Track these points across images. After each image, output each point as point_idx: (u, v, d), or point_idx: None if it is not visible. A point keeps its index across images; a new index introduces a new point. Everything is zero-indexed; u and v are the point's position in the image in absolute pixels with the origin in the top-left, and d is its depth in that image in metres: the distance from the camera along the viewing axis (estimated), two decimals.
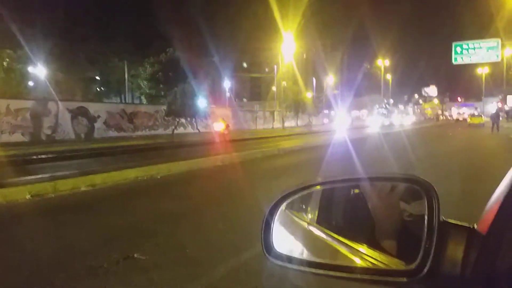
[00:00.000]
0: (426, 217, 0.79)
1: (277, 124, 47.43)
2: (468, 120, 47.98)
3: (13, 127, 21.17)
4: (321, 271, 0.90)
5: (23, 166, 10.93)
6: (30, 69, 29.62)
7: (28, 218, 5.97)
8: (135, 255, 4.02)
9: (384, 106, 73.04)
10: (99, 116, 26.11)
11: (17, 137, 21.11)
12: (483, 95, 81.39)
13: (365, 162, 11.16)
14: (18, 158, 12.69)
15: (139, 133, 28.64)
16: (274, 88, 52.54)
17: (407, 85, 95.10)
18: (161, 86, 28.04)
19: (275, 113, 49.48)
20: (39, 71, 29.86)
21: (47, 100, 23.86)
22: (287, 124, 46.77)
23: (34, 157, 13.15)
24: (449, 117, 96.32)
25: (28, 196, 7.00)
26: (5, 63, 27.53)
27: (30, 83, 30.13)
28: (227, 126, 24.11)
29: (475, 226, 0.75)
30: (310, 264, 0.96)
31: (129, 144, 19.23)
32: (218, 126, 24.25)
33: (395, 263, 0.85)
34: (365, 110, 74.60)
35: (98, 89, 45.68)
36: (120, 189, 8.19)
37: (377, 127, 39.82)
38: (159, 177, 9.51)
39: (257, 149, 15.40)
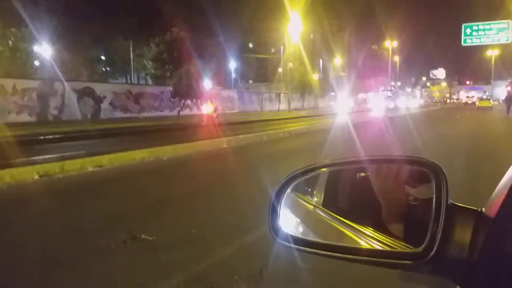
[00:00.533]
0: (434, 200, 0.78)
1: (283, 106, 47.24)
2: (477, 103, 49.83)
3: (20, 107, 21.25)
4: (327, 253, 0.90)
5: (31, 146, 11.01)
6: (36, 48, 29.53)
7: (36, 198, 6.04)
8: (142, 235, 4.07)
9: (389, 88, 70.46)
10: (105, 97, 26.13)
11: (24, 117, 21.21)
12: (492, 78, 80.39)
13: (369, 147, 11.13)
14: (26, 138, 12.76)
15: (145, 114, 28.67)
16: (280, 70, 52.16)
17: (415, 67, 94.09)
18: (166, 66, 27.88)
19: (281, 95, 49.23)
20: (44, 50, 29.77)
21: (53, 80, 23.88)
22: (293, 106, 46.56)
23: (41, 137, 13.22)
24: (455, 100, 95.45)
25: (36, 176, 7.08)
26: (10, 42, 27.45)
27: (36, 63, 30.08)
28: (216, 108, 22.02)
29: (483, 210, 0.75)
30: (316, 245, 0.96)
31: (135, 125, 19.29)
32: (206, 109, 21.61)
33: (401, 247, 0.84)
34: (371, 93, 71.68)
35: (104, 69, 45.57)
36: (127, 170, 8.26)
37: (381, 111, 38.86)
38: (165, 158, 9.57)
39: (262, 132, 15.38)
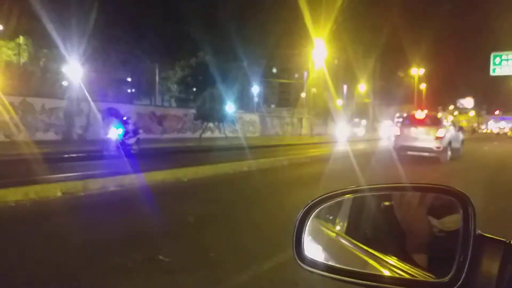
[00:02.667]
0: (461, 229, 0.78)
1: (305, 131, 47.19)
2: (509, 133, 54.31)
3: (47, 126, 21.84)
4: (351, 280, 0.90)
5: (55, 164, 11.21)
6: (64, 68, 30.51)
7: (58, 214, 6.11)
8: (160, 257, 4.03)
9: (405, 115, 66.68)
10: (129, 118, 26.58)
11: (50, 135, 21.76)
12: None
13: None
14: (51, 156, 13.03)
15: (167, 135, 29.03)
16: (303, 95, 52.33)
17: (442, 95, 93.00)
18: (190, 89, 28.35)
19: (304, 120, 49.23)
20: (73, 71, 30.72)
21: (80, 100, 24.53)
22: (315, 131, 46.47)
23: (66, 155, 13.48)
24: (483, 130, 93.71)
25: (59, 193, 7.17)
26: (41, 63, 28.46)
27: (64, 83, 31.01)
28: (134, 131, 14.76)
29: None
30: (340, 272, 0.96)
31: (157, 146, 19.51)
32: (113, 133, 13.95)
33: (425, 277, 0.83)
34: (389, 121, 65.94)
35: (129, 91, 46.60)
36: (147, 190, 8.29)
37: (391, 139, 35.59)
38: (186, 180, 9.59)
39: (284, 156, 15.34)
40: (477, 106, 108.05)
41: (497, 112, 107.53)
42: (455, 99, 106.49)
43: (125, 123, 14.28)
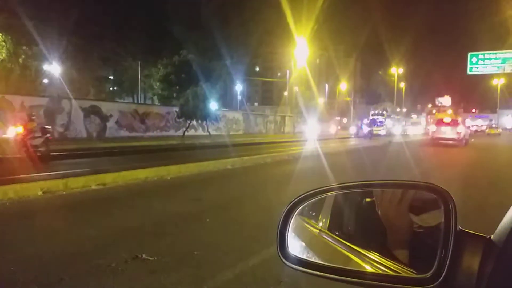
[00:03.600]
0: (442, 225, 0.78)
1: (287, 129, 47.40)
2: (487, 131, 61.32)
3: None
4: (334, 276, 0.90)
5: (35, 163, 11.03)
6: (45, 66, 29.99)
7: (38, 214, 6.02)
8: (143, 256, 4.03)
9: (380, 112, 56.96)
10: (111, 115, 26.35)
11: None
12: (498, 107, 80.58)
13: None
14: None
15: (150, 133, 28.84)
16: (286, 93, 52.58)
17: (421, 94, 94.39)
18: (173, 87, 28.21)
19: (286, 118, 49.43)
20: (53, 68, 30.22)
21: (61, 98, 24.16)
22: (297, 129, 46.72)
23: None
24: None
25: (39, 193, 7.07)
26: (20, 60, 27.92)
27: (45, 81, 30.50)
28: (40, 130, 12.57)
29: (492, 237, 0.74)
30: (324, 268, 0.97)
31: (140, 144, 19.37)
32: (12, 131, 13.41)
33: (406, 272, 0.84)
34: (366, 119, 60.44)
35: (111, 89, 46.10)
36: (130, 189, 8.24)
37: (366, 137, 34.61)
38: (169, 178, 9.56)
39: (266, 154, 15.39)
40: (455, 104, 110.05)
41: (473, 111, 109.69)
42: (433, 97, 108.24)
43: (29, 120, 12.57)
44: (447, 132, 24.59)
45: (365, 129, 37.57)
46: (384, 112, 55.40)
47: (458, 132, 24.33)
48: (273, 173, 11.72)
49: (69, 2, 30.25)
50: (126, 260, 3.93)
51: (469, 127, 27.37)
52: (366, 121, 42.96)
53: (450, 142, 24.14)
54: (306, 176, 10.79)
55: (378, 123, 47.38)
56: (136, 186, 8.52)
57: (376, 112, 55.22)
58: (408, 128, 61.33)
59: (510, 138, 38.56)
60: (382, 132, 45.79)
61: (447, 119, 25.69)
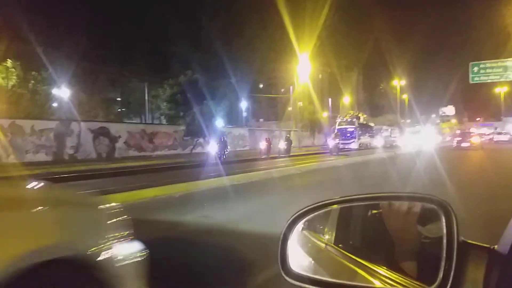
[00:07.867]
0: (444, 238, 0.77)
1: (293, 143, 47.49)
2: (494, 138, 63.28)
3: (37, 147, 21.89)
4: None
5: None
6: (54, 90, 30.62)
7: None
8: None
9: (349, 120, 43.52)
10: (120, 136, 26.81)
11: (41, 156, 21.80)
12: (502, 115, 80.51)
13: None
14: (41, 177, 13.07)
15: (158, 152, 29.22)
16: (290, 108, 52.98)
17: (424, 104, 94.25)
18: (180, 107, 28.68)
19: (292, 132, 49.68)
20: (62, 92, 30.86)
21: (70, 120, 24.65)
22: (303, 143, 46.90)
23: (57, 176, 13.55)
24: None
25: None
26: (30, 85, 28.58)
27: (54, 104, 31.12)
28: None
29: (496, 247, 0.73)
30: (328, 285, 0.95)
31: (149, 163, 19.63)
32: None
33: (414, 285, 0.83)
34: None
35: (119, 110, 46.75)
36: (139, 207, 8.40)
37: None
38: (177, 195, 9.80)
39: (274, 168, 15.58)
40: (458, 114, 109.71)
41: (478, 119, 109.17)
42: (437, 107, 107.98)
43: None
44: (467, 140, 36.40)
45: (331, 143, 30.90)
46: (354, 120, 42.75)
47: (475, 141, 35.96)
48: (282, 187, 11.75)
49: (77, 28, 31.10)
50: None
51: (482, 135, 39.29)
52: (333, 133, 34.11)
53: (469, 146, 35.01)
54: (316, 189, 10.96)
55: (348, 135, 39.80)
56: (144, 204, 8.67)
57: (344, 120, 43.50)
58: (401, 139, 51.17)
59: None
60: (353, 145, 39.25)
61: (467, 131, 36.94)
